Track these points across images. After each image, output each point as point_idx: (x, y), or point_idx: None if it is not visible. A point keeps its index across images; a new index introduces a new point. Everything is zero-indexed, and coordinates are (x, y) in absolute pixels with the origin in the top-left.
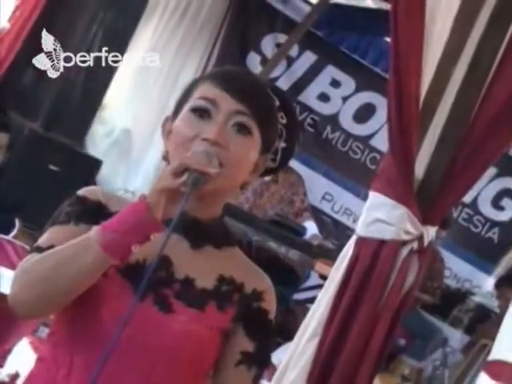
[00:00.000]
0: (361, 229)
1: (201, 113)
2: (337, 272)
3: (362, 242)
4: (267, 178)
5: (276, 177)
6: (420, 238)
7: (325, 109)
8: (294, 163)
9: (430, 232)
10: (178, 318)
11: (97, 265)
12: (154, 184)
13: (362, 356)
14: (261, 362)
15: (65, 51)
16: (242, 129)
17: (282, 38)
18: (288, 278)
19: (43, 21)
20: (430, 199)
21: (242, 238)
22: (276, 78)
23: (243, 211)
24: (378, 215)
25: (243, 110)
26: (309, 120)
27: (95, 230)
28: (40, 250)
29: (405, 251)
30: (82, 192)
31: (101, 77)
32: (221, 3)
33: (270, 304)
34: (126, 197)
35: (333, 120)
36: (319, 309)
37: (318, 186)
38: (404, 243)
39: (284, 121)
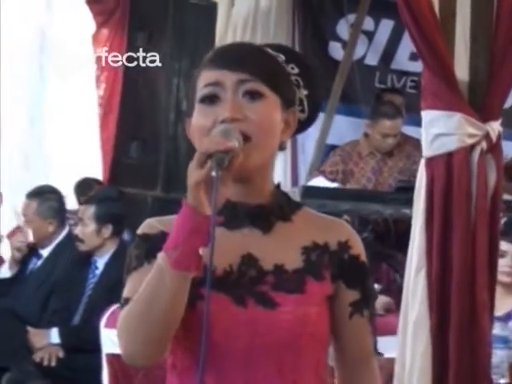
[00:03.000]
0: (425, 150)
1: (210, 99)
2: (418, 201)
3: (430, 162)
4: (381, 155)
5: (391, 151)
6: (487, 137)
7: (420, 67)
8: (408, 129)
9: (495, 126)
10: (285, 308)
11: (177, 285)
12: (188, 184)
13: (473, 271)
14: (369, 302)
15: (154, 111)
16: (253, 95)
17: (354, 17)
18: None
19: (128, 91)
20: (483, 96)
21: (377, 217)
22: (363, 57)
23: (366, 190)
24: (436, 131)
25: (245, 77)
26: (409, 83)
27: (160, 256)
28: (128, 301)
29: (476, 154)
30: (141, 231)
31: None
32: (285, 9)
33: (358, 247)
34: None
35: None
36: (415, 241)
37: None
38: (472, 147)
39: (296, 70)
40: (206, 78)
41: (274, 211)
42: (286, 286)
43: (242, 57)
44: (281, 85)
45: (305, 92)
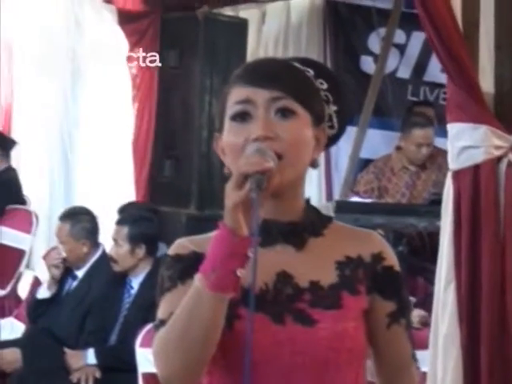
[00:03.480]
0: (451, 163)
1: (241, 117)
2: (446, 214)
3: (457, 175)
4: (415, 168)
5: (424, 164)
6: None
7: None
8: (440, 140)
9: None
10: (323, 325)
11: (215, 307)
12: (225, 205)
13: (503, 282)
14: (405, 311)
15: (187, 129)
16: (285, 113)
17: (385, 31)
18: None
19: (161, 109)
20: (509, 107)
21: (412, 231)
22: (395, 70)
23: (399, 204)
24: (461, 143)
25: (278, 95)
26: (442, 95)
27: (198, 278)
28: (163, 322)
29: (503, 166)
30: (172, 251)
31: None
32: (316, 24)
33: (391, 258)
34: (211, 234)
35: None
36: (444, 255)
37: None
38: (499, 159)
39: (325, 86)
40: (236, 94)
41: (306, 228)
42: (322, 302)
43: (273, 73)
44: (312, 101)
45: (334, 108)
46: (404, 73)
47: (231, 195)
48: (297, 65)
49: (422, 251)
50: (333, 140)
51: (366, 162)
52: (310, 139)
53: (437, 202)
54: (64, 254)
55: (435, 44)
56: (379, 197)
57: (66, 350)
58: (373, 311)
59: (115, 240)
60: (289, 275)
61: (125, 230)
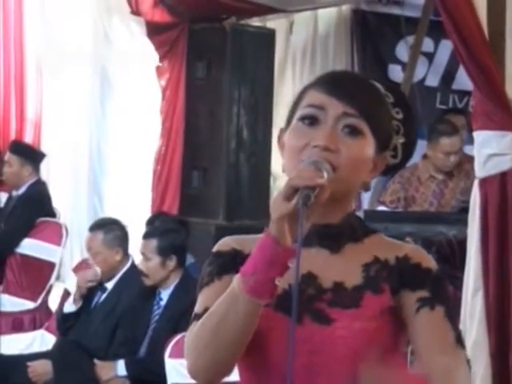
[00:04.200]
0: (478, 171)
1: (310, 120)
2: (473, 221)
3: (484, 182)
4: (442, 177)
5: (451, 172)
6: None
7: None
8: (469, 148)
9: None
10: (340, 324)
11: (250, 311)
12: (272, 214)
13: None
14: (442, 300)
15: (215, 140)
16: (352, 131)
17: (413, 39)
18: None
19: (188, 121)
20: None
21: (441, 239)
22: (423, 79)
23: (428, 212)
24: (488, 151)
25: (351, 111)
26: (471, 103)
27: (236, 280)
28: (198, 316)
29: None
30: (215, 248)
31: (259, 154)
32: (344, 33)
33: (418, 257)
34: (255, 236)
35: None
36: (471, 262)
37: None
38: None
39: (400, 116)
40: (312, 98)
41: (343, 231)
42: (342, 302)
43: (354, 89)
44: (382, 128)
45: (402, 139)
46: (432, 81)
47: (279, 206)
48: (379, 87)
49: (452, 259)
50: (392, 169)
51: None
52: (369, 162)
53: (466, 209)
54: (100, 275)
55: (461, 53)
56: (406, 207)
57: (96, 361)
58: (403, 304)
59: (143, 254)
60: (314, 276)
61: (153, 242)
